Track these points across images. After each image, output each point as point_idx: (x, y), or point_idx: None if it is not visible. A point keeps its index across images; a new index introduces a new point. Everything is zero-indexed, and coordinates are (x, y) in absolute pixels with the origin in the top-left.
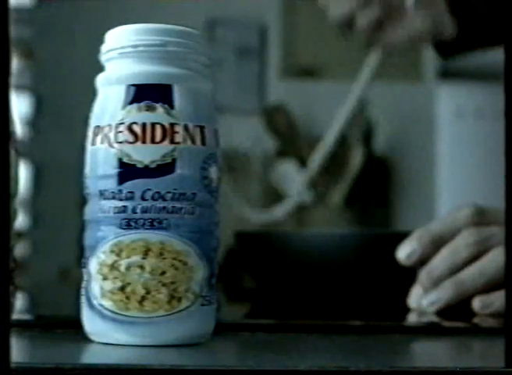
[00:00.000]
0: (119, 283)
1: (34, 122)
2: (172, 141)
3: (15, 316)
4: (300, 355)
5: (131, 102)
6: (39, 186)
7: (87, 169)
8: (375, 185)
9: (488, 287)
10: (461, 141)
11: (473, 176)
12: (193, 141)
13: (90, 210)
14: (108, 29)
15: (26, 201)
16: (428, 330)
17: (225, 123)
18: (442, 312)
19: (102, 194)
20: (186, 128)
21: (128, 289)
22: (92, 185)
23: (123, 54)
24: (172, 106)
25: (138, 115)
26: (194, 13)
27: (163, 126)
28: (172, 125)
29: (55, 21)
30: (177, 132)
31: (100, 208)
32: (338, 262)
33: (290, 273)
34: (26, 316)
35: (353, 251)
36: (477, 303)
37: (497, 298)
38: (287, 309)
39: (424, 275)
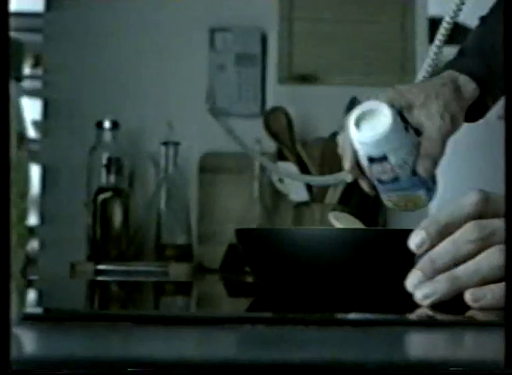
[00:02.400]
0: None
1: (43, 125)
2: None
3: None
4: (299, 348)
5: None
6: (47, 185)
7: None
8: None
9: (482, 284)
10: (459, 141)
11: (470, 175)
12: None
13: None
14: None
15: (35, 200)
16: (425, 323)
17: (227, 126)
18: (437, 305)
19: None
20: None
21: None
22: None
23: None
24: None
25: None
26: (198, 21)
27: None
28: None
29: (63, 27)
30: None
31: None
32: (336, 259)
33: (289, 269)
34: (36, 310)
35: (351, 248)
36: (468, 296)
37: (488, 292)
38: (286, 304)
39: (427, 262)
